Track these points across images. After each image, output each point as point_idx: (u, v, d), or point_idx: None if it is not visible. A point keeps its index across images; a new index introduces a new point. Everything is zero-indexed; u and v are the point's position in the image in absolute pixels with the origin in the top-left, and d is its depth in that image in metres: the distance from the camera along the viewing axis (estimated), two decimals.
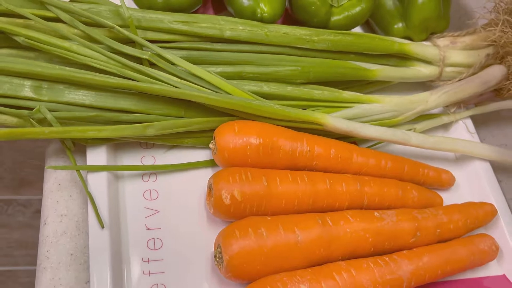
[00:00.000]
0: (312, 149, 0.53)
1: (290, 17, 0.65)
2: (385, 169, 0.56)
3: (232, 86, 0.53)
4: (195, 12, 0.62)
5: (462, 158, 0.62)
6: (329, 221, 0.49)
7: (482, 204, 0.56)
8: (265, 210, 0.49)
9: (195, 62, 0.55)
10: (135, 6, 0.59)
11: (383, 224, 0.50)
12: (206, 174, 0.54)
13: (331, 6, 0.61)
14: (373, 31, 0.69)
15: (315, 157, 0.53)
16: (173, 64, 0.53)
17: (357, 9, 0.60)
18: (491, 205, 0.57)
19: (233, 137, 0.51)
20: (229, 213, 0.48)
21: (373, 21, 0.68)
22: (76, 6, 0.52)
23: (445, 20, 0.65)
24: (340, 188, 0.52)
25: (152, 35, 0.55)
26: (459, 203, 0.57)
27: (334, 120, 0.55)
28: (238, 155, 0.50)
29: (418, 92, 0.66)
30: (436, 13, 0.62)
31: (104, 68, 0.50)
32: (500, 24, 0.63)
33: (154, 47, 0.52)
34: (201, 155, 0.55)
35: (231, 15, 0.59)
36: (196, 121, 0.52)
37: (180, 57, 0.54)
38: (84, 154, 0.51)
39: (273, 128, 0.53)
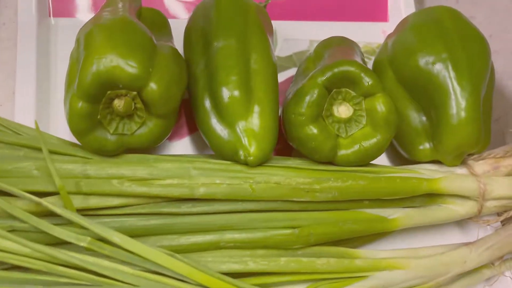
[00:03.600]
0: None
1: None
2: None
3: (203, 274, 0.39)
4: None
5: None
6: None
7: None
8: None
9: (156, 232, 0.41)
10: None
11: None
12: None
13: (338, 136, 0.46)
14: (393, 148, 0.54)
15: None
16: (122, 248, 0.38)
17: (372, 141, 0.45)
18: None
19: None
20: None
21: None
22: None
23: (485, 139, 0.50)
24: None
25: (96, 202, 0.41)
26: None
27: None
28: None
29: (450, 229, 0.52)
30: (475, 137, 0.47)
31: (25, 264, 0.37)
32: None
33: (97, 227, 0.38)
34: None
35: None
36: None
37: (135, 228, 0.40)
38: None
39: None
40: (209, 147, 0.46)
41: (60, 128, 0.49)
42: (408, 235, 0.51)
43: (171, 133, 0.51)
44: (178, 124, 0.52)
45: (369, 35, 0.63)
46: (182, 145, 0.51)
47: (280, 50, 0.60)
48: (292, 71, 0.58)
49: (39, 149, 0.42)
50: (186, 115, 0.53)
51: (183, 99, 0.52)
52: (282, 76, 0.58)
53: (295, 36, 0.61)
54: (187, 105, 0.52)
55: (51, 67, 0.53)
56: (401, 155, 0.53)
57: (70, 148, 0.44)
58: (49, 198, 0.39)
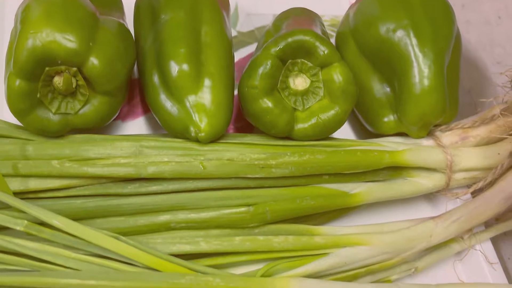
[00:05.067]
0: None
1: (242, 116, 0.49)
2: None
3: (150, 255, 0.37)
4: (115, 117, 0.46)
5: None
6: None
7: None
8: None
9: (101, 215, 0.39)
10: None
11: None
12: None
13: (294, 109, 0.44)
14: (357, 120, 0.52)
15: None
16: (63, 231, 0.36)
17: (330, 113, 0.43)
18: None
19: None
20: None
21: (357, 110, 0.51)
22: None
23: (452, 109, 0.48)
24: None
25: (35, 184, 0.39)
26: None
27: (302, 286, 0.39)
28: None
29: (418, 202, 0.50)
30: (440, 106, 0.45)
31: None
32: None
33: (34, 210, 0.36)
34: None
35: None
36: None
37: (78, 211, 0.38)
38: None
39: None
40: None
41: (5, 110, 0.47)
42: (375, 212, 0.49)
43: (125, 113, 0.49)
44: (131, 104, 0.50)
45: (336, 8, 0.61)
46: (136, 126, 0.49)
47: (242, 25, 0.58)
48: (254, 47, 0.56)
49: None
50: (141, 95, 0.50)
51: (138, 79, 0.50)
52: (243, 52, 0.55)
53: (258, 10, 0.59)
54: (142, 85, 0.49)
55: None
56: (367, 129, 0.51)
57: (13, 130, 0.42)
58: None
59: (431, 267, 0.47)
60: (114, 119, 0.48)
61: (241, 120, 0.51)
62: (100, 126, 0.43)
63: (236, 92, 0.46)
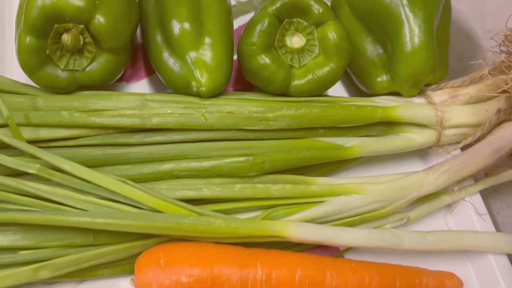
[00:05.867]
0: (269, 276, 0.40)
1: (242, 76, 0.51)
2: None
3: (156, 198, 0.39)
4: (119, 78, 0.48)
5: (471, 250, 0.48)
6: None
7: None
8: None
9: (108, 163, 0.41)
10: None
11: None
12: None
13: (291, 66, 0.46)
14: (352, 82, 0.54)
15: (274, 287, 0.40)
16: (73, 175, 0.39)
17: (325, 70, 0.46)
18: None
19: (158, 274, 0.37)
20: None
21: (351, 71, 0.53)
22: None
23: (441, 69, 0.50)
24: None
25: (46, 133, 0.41)
26: None
27: (299, 230, 0.41)
28: None
29: (411, 157, 0.53)
30: (429, 64, 0.47)
31: None
32: None
33: (45, 155, 0.38)
34: (124, 285, 0.42)
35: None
36: (108, 250, 0.39)
37: (87, 159, 0.40)
38: None
39: (213, 251, 0.39)
40: (167, 88, 0.46)
41: (14, 70, 0.48)
42: (369, 168, 0.51)
43: (129, 76, 0.51)
44: (135, 67, 0.52)
45: None
46: (140, 87, 0.51)
47: None
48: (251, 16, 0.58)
49: None
50: (144, 59, 0.53)
51: (141, 44, 0.52)
52: (241, 21, 0.57)
53: None
54: (145, 49, 0.51)
55: (5, 11, 0.52)
56: (360, 91, 0.53)
57: (23, 87, 0.44)
58: None
59: (423, 219, 0.49)
60: (119, 81, 0.51)
61: (240, 83, 0.53)
62: (106, 84, 0.45)
63: (235, 57, 0.48)
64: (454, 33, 0.63)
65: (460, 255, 0.48)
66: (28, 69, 0.42)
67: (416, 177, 0.46)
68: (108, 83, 0.46)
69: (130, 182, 0.39)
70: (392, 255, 0.46)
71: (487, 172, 0.52)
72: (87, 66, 0.43)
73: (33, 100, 0.41)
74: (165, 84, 0.46)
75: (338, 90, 0.55)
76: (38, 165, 0.38)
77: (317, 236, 0.41)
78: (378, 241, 0.43)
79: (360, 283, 0.42)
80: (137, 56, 0.52)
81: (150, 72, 0.52)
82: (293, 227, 0.41)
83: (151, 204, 0.39)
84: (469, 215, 0.49)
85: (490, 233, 0.47)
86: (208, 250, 0.39)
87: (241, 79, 0.53)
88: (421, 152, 0.52)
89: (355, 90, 0.54)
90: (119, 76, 0.46)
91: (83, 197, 0.38)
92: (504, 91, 0.49)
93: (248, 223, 0.40)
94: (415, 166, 0.52)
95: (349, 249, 0.46)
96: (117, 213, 0.38)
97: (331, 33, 0.45)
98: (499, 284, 0.46)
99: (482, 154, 0.47)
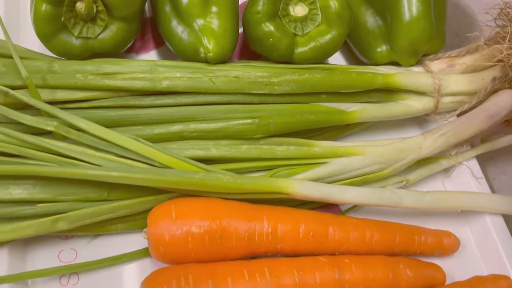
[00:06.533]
0: (275, 229, 0.42)
1: (247, 46, 0.53)
2: (371, 243, 0.44)
3: (167, 155, 0.41)
4: (129, 49, 0.50)
5: (468, 211, 0.50)
6: None
7: (495, 278, 0.45)
8: None
9: (121, 124, 0.43)
10: (49, 53, 0.46)
11: None
12: (143, 267, 0.43)
13: (295, 35, 0.48)
14: (352, 54, 0.56)
15: (279, 239, 0.42)
16: (88, 133, 0.41)
17: (327, 37, 0.48)
18: (507, 278, 0.45)
19: (170, 226, 0.39)
20: None
21: (351, 43, 0.55)
22: None
23: (439, 39, 0.52)
24: (312, 280, 0.40)
25: (62, 95, 0.43)
26: (465, 275, 0.46)
27: (303, 187, 0.43)
28: (178, 249, 0.39)
29: (411, 126, 0.55)
30: (427, 33, 0.49)
31: None
32: (507, 38, 0.50)
33: (62, 113, 0.40)
34: (136, 240, 0.44)
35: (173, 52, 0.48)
36: (122, 205, 0.41)
37: (101, 119, 0.42)
38: None
39: (222, 206, 0.41)
40: (175, 58, 0.48)
41: (29, 41, 0.50)
42: (369, 135, 0.53)
43: (138, 47, 0.53)
44: (144, 40, 0.54)
45: None
46: (149, 58, 0.53)
47: None
48: None
49: (7, 56, 0.44)
50: (153, 31, 0.55)
51: (150, 17, 0.54)
52: None
53: None
54: (153, 23, 0.53)
55: None
56: (361, 62, 0.55)
57: (38, 54, 0.46)
58: (16, 91, 0.41)
59: (422, 183, 0.51)
60: (128, 52, 0.53)
61: (245, 54, 0.55)
62: (117, 53, 0.47)
63: (241, 31, 0.50)
64: (451, 10, 0.65)
65: (458, 217, 0.50)
66: (43, 36, 0.44)
67: (415, 139, 0.48)
68: (119, 51, 0.48)
69: (142, 140, 0.41)
70: (392, 216, 0.48)
71: (483, 138, 0.54)
72: (99, 34, 0.45)
73: (50, 64, 0.43)
74: (174, 52, 0.48)
75: (339, 61, 0.56)
76: (55, 123, 0.40)
77: (319, 193, 0.43)
78: (378, 199, 0.45)
79: (361, 238, 0.44)
80: (146, 29, 0.55)
81: (159, 44, 0.54)
82: (297, 184, 0.43)
83: (163, 161, 0.41)
84: (466, 179, 0.52)
85: (486, 194, 0.49)
86: (217, 205, 0.41)
87: (246, 52, 0.55)
88: (420, 121, 0.54)
89: (355, 62, 0.56)
90: (130, 45, 0.48)
91: (98, 153, 0.40)
92: (499, 60, 0.51)
93: (255, 179, 0.42)
94: (414, 134, 0.53)
95: (351, 209, 0.49)
96: (131, 168, 0.40)
97: (333, 1, 0.47)
98: (495, 243, 0.48)
99: (477, 119, 0.49)
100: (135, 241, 0.43)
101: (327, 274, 0.41)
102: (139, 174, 0.39)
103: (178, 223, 0.39)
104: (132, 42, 0.48)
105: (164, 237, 0.39)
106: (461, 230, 0.49)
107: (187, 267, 0.39)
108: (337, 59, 0.57)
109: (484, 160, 0.55)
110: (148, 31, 0.54)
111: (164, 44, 0.54)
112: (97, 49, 0.46)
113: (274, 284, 0.39)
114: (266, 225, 0.41)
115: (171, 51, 0.48)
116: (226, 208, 0.41)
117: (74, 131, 0.40)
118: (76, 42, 0.45)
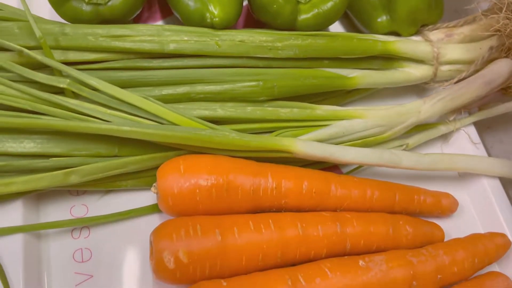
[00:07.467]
0: (279, 184, 0.43)
1: (251, 16, 0.55)
2: (372, 201, 0.46)
3: (176, 114, 0.43)
4: (136, 19, 0.52)
5: (466, 175, 0.52)
6: (301, 280, 0.39)
7: (492, 236, 0.46)
8: (221, 271, 0.39)
9: (131, 85, 0.45)
10: (59, 19, 0.48)
11: (370, 277, 0.40)
12: (151, 222, 0.44)
13: (298, 2, 0.50)
14: (353, 25, 0.58)
15: (283, 195, 0.43)
16: (99, 91, 0.42)
17: (329, 4, 0.49)
18: (503, 236, 0.47)
19: (178, 179, 0.41)
20: (175, 279, 0.38)
21: (352, 14, 0.57)
22: None
23: (437, 9, 0.54)
24: (315, 232, 0.42)
25: (74, 56, 0.44)
26: (463, 235, 0.47)
27: (306, 146, 0.44)
28: (186, 201, 0.41)
29: (410, 95, 0.56)
30: (426, 2, 0.51)
31: (11, 103, 0.40)
32: (504, 8, 0.52)
33: (75, 72, 0.42)
34: (145, 198, 0.45)
35: (179, 21, 0.49)
36: (132, 160, 0.42)
37: (111, 80, 0.44)
38: None
39: (228, 162, 0.43)
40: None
41: (41, 6, 0.52)
42: (369, 103, 0.55)
43: (145, 17, 0.55)
44: (151, 11, 0.56)
45: None
46: None
47: None
48: None
49: (21, 21, 0.45)
50: (159, 3, 0.56)
51: None
52: None
53: None
54: None
55: None
56: (362, 32, 0.56)
57: (49, 21, 0.48)
58: (30, 52, 0.43)
59: (421, 148, 0.53)
60: (135, 22, 0.54)
61: (249, 26, 0.57)
62: (126, 19, 0.49)
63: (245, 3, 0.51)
64: None
65: (456, 181, 0.52)
66: (55, 2, 0.45)
67: (414, 103, 0.50)
68: (128, 18, 0.49)
69: (152, 99, 0.43)
70: (391, 178, 0.50)
71: (481, 107, 0.55)
72: (109, 0, 0.47)
73: (61, 27, 0.45)
74: (181, 19, 0.49)
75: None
76: (68, 80, 0.41)
77: (322, 152, 0.45)
78: (378, 159, 0.46)
79: (362, 195, 0.45)
80: (153, 1, 0.56)
81: (165, 15, 0.56)
82: (300, 143, 0.44)
83: (171, 119, 0.43)
84: (464, 144, 0.53)
85: (483, 157, 0.51)
86: (224, 161, 0.43)
87: (250, 25, 0.57)
88: (419, 90, 0.56)
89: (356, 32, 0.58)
90: (138, 12, 0.50)
91: (108, 111, 0.42)
92: (496, 30, 0.52)
93: (260, 137, 0.44)
94: None
95: (352, 171, 0.50)
96: (141, 124, 0.41)
97: None
98: (492, 204, 0.49)
99: (475, 85, 0.51)
100: (144, 199, 0.45)
101: (329, 227, 0.42)
102: (149, 129, 0.41)
103: (186, 176, 0.41)
104: (140, 9, 0.50)
105: (173, 189, 0.40)
106: (459, 193, 0.51)
107: (195, 218, 0.40)
108: (338, 29, 0.58)
109: (482, 130, 0.56)
110: (155, 3, 0.56)
111: (170, 15, 0.55)
112: (106, 15, 0.47)
113: (279, 235, 0.41)
114: (270, 180, 0.43)
115: (177, 22, 0.50)
116: (233, 164, 0.43)
117: (86, 89, 0.42)
118: (86, 8, 0.47)
